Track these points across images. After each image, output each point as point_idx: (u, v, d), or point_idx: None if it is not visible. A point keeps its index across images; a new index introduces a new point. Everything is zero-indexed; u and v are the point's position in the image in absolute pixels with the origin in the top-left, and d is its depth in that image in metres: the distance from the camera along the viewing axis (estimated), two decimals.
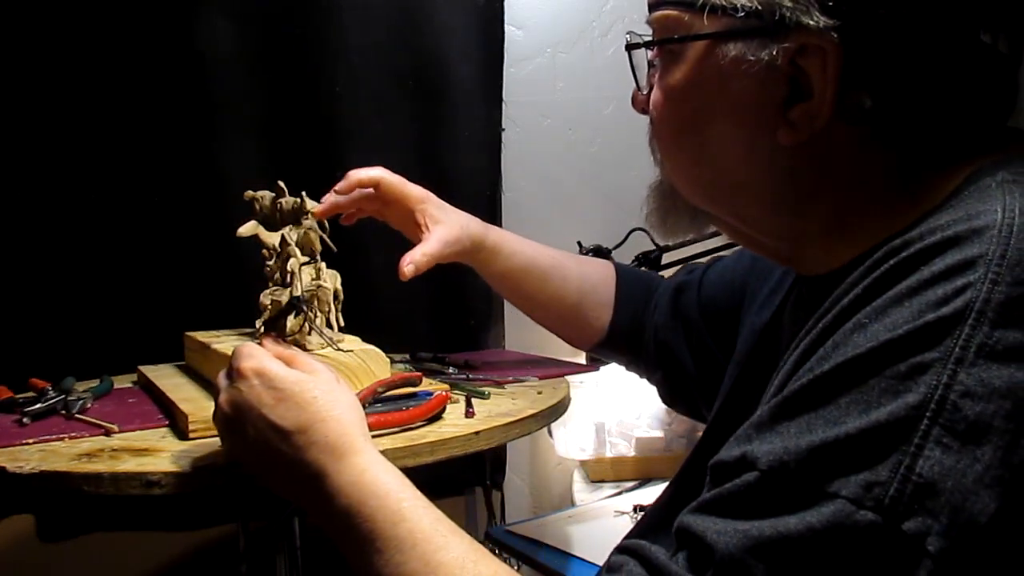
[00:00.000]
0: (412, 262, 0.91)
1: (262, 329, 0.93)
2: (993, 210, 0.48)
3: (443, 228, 0.97)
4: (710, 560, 0.46)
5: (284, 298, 0.91)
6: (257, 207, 1.03)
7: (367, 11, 1.39)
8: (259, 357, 0.67)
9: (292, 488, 0.64)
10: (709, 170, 0.63)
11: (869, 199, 0.59)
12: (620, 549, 0.53)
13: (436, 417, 0.85)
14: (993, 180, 0.51)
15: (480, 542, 0.56)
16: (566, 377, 1.09)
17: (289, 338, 0.90)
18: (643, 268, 1.42)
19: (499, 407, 0.91)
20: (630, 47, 0.67)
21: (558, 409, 0.95)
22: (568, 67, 1.58)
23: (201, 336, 1.05)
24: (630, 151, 1.56)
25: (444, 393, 0.87)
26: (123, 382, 1.10)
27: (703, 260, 1.07)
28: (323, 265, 0.96)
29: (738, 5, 0.56)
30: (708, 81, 0.60)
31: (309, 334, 0.91)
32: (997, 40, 0.58)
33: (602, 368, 1.29)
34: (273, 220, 1.01)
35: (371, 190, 1.01)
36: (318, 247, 1.00)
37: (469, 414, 0.87)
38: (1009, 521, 0.42)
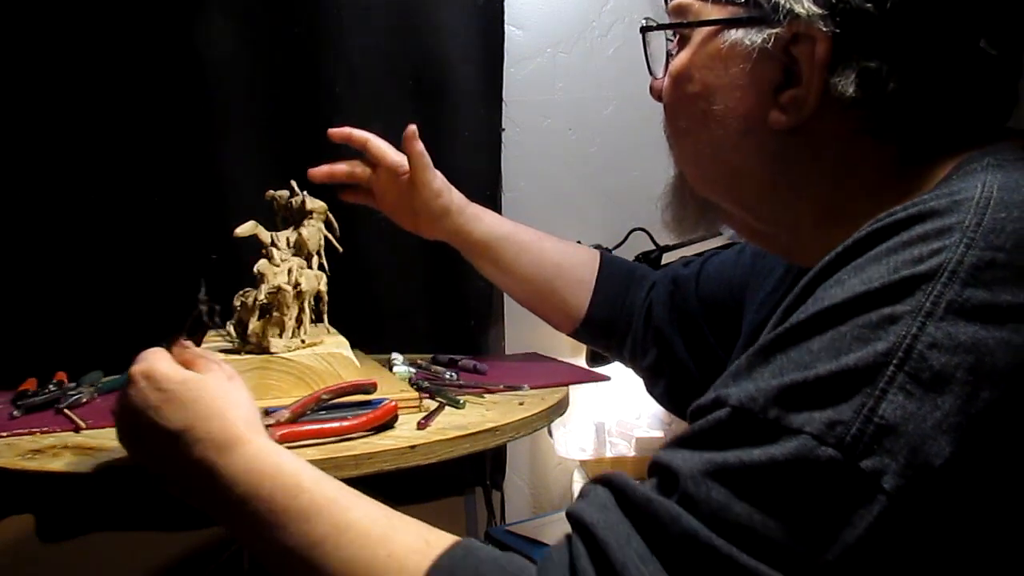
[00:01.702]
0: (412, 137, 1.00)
1: (230, 329, 0.93)
2: (973, 186, 0.50)
3: (435, 174, 1.03)
4: (675, 484, 0.48)
5: (249, 300, 0.91)
6: (275, 206, 1.04)
7: (367, 11, 1.39)
8: (150, 360, 0.65)
9: (191, 489, 0.63)
10: (709, 153, 0.66)
11: (861, 188, 0.61)
12: (593, 479, 0.55)
13: (386, 426, 0.82)
14: (979, 164, 0.54)
15: (480, 542, 0.55)
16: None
17: (252, 340, 0.91)
18: None
19: (465, 418, 0.87)
20: (645, 30, 0.71)
21: (533, 421, 0.90)
22: (568, 67, 1.58)
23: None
24: (630, 151, 1.56)
25: (392, 403, 0.83)
26: None
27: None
28: (298, 264, 0.96)
29: None
30: (708, 64, 0.64)
31: (280, 335, 0.91)
32: (993, 44, 0.58)
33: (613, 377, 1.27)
34: (289, 219, 1.02)
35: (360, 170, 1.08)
36: (316, 248, 1.00)
37: (421, 425, 0.83)
38: (963, 469, 0.44)
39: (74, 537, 1.38)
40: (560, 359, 1.36)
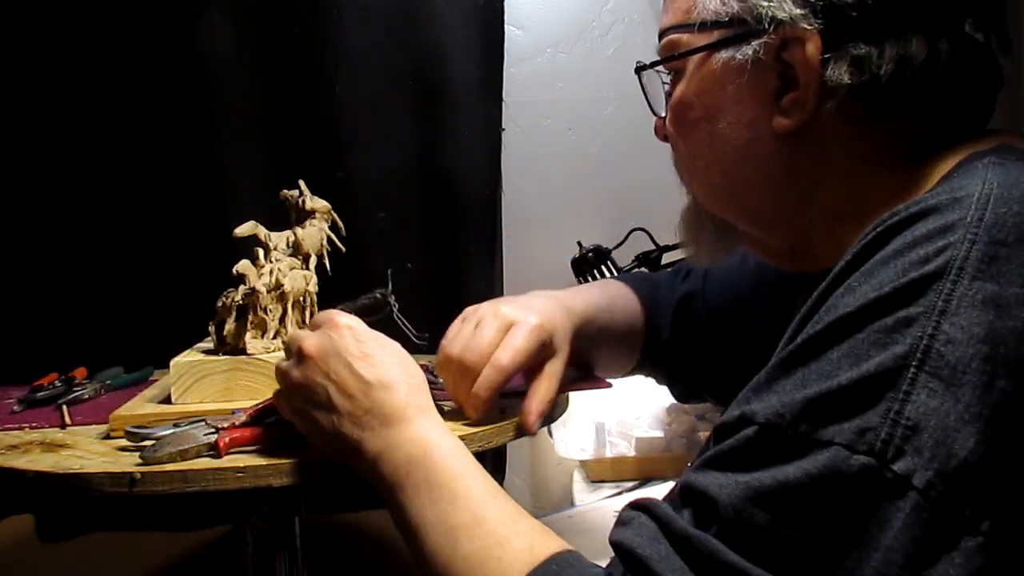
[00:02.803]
0: (538, 416, 0.81)
1: (212, 330, 0.94)
2: (974, 183, 0.51)
3: (557, 361, 0.85)
4: (714, 514, 0.49)
5: (228, 301, 0.92)
6: (288, 206, 1.05)
7: (367, 11, 1.39)
8: (351, 316, 0.73)
9: (351, 436, 0.67)
10: (719, 172, 0.68)
11: (870, 187, 0.62)
12: (632, 505, 0.56)
13: None
14: (980, 162, 0.54)
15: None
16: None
17: (228, 341, 0.91)
18: (643, 269, 1.42)
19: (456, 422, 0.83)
20: (639, 70, 0.73)
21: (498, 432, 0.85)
22: (568, 67, 1.58)
23: None
24: (630, 151, 1.56)
25: None
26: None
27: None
28: (289, 264, 0.96)
29: (723, 14, 0.62)
30: (706, 88, 0.66)
31: (263, 336, 0.91)
32: (978, 26, 0.62)
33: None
34: (299, 219, 1.02)
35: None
36: (316, 248, 1.00)
37: None
38: (989, 458, 0.45)
39: (74, 537, 1.38)
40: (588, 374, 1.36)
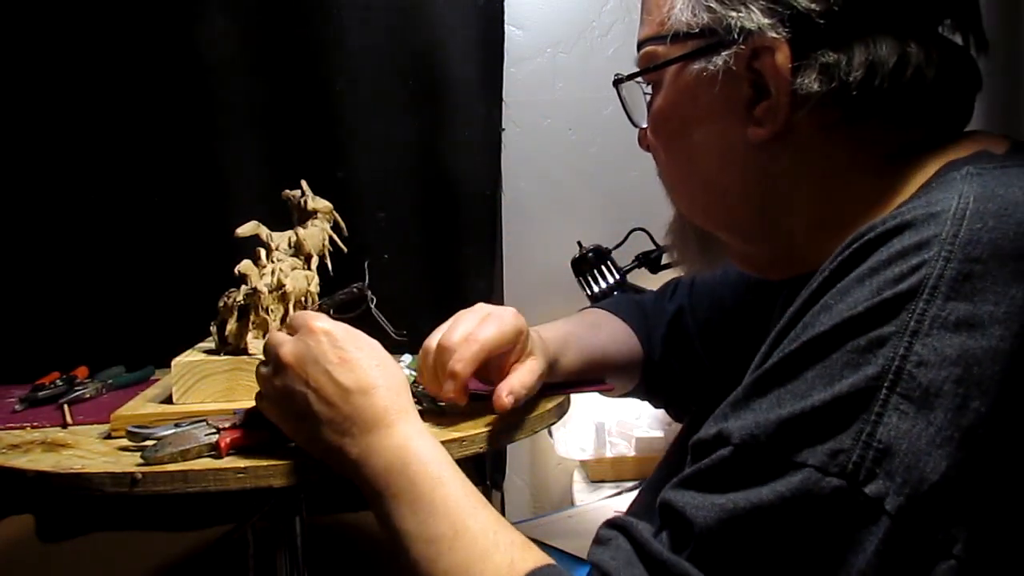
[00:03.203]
0: (512, 393, 0.79)
1: (214, 330, 0.94)
2: (950, 197, 0.51)
3: (536, 361, 0.84)
4: (690, 535, 0.49)
5: (230, 301, 0.92)
6: (290, 206, 1.04)
7: (367, 11, 1.39)
8: (327, 319, 0.72)
9: (335, 442, 0.67)
10: (699, 182, 0.69)
11: (848, 193, 0.62)
12: (609, 524, 0.56)
13: None
14: (959, 173, 0.54)
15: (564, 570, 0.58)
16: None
17: (230, 341, 0.91)
18: (642, 268, 1.42)
19: (454, 421, 0.83)
20: (617, 83, 0.73)
21: (532, 423, 0.87)
22: (568, 67, 1.58)
23: None
24: (630, 151, 1.54)
25: None
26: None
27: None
28: (291, 264, 0.96)
29: (694, 26, 0.62)
30: (681, 99, 0.66)
31: (264, 336, 0.91)
32: (957, 32, 0.62)
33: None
34: (302, 219, 1.02)
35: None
36: (318, 248, 1.00)
37: None
38: (961, 481, 0.45)
39: (74, 537, 1.38)
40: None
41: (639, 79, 0.70)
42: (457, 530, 0.59)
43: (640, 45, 0.69)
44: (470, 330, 0.79)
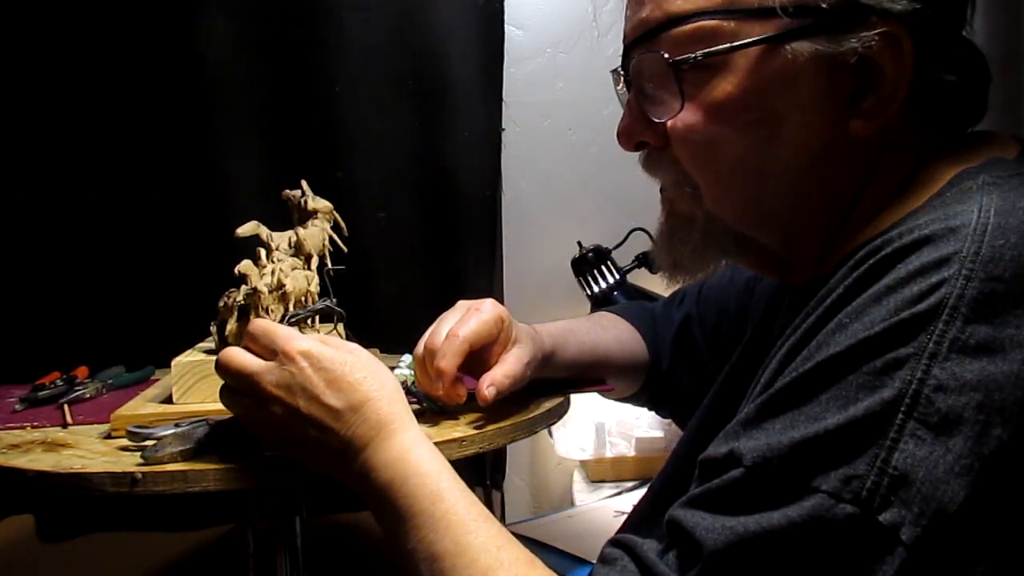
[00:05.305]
0: (494, 384, 0.78)
1: (214, 330, 0.93)
2: (970, 210, 0.49)
3: (522, 348, 0.83)
4: (698, 557, 0.48)
5: (230, 301, 0.91)
6: (290, 206, 1.04)
7: (367, 11, 1.39)
8: (301, 337, 0.67)
9: (334, 461, 0.66)
10: (765, 178, 0.60)
11: (887, 191, 0.59)
12: (614, 542, 0.55)
13: None
14: (974, 183, 0.52)
15: None
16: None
17: (230, 341, 0.91)
18: (641, 268, 1.42)
19: (454, 422, 0.83)
20: (674, 65, 0.59)
21: (534, 423, 0.87)
22: (568, 67, 1.58)
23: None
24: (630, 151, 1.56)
25: None
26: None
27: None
28: (291, 265, 0.96)
29: (787, 3, 0.55)
30: (772, 85, 0.57)
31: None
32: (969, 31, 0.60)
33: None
34: (302, 219, 1.02)
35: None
36: (318, 248, 1.00)
37: None
38: (980, 510, 0.43)
39: (74, 537, 1.38)
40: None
41: (695, 57, 0.58)
42: (459, 547, 0.58)
43: (683, 17, 0.58)
44: (452, 327, 0.79)
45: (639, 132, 0.65)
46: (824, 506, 0.45)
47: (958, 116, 0.60)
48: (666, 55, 0.59)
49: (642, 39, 0.61)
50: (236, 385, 0.69)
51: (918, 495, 0.43)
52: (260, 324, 0.69)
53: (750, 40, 0.56)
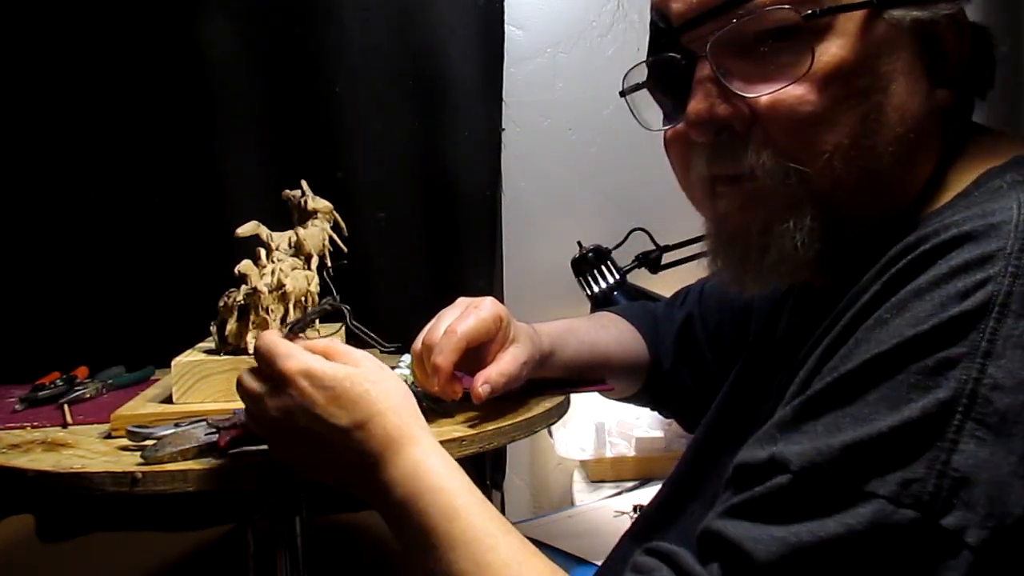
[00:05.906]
0: (488, 382, 0.77)
1: (214, 330, 0.93)
2: (1008, 207, 0.48)
3: (519, 347, 0.83)
4: (748, 569, 0.46)
5: (230, 301, 0.92)
6: (290, 206, 1.04)
7: (367, 11, 1.39)
8: (300, 356, 0.65)
9: (348, 480, 0.65)
10: (887, 155, 0.57)
11: (924, 176, 0.59)
12: (650, 551, 0.52)
13: None
14: (1003, 181, 0.52)
15: None
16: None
17: (230, 341, 0.91)
18: (641, 268, 1.42)
19: (455, 421, 0.83)
20: (807, 17, 0.55)
21: (533, 423, 0.87)
22: (568, 67, 1.58)
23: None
24: (630, 151, 1.55)
25: None
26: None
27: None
28: (291, 264, 0.96)
29: None
30: (879, 48, 0.55)
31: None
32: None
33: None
34: (302, 218, 1.02)
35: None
36: (318, 248, 1.00)
37: None
38: None
39: (74, 537, 1.38)
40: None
41: (817, 11, 0.54)
42: (479, 566, 0.56)
43: None
44: (450, 323, 0.79)
45: (723, 115, 0.58)
46: (883, 512, 0.43)
47: (977, 89, 0.61)
48: (791, 8, 0.55)
49: (723, 8, 0.56)
50: (247, 407, 0.69)
51: (983, 496, 0.42)
52: (263, 343, 0.67)
53: (856, 1, 0.55)
